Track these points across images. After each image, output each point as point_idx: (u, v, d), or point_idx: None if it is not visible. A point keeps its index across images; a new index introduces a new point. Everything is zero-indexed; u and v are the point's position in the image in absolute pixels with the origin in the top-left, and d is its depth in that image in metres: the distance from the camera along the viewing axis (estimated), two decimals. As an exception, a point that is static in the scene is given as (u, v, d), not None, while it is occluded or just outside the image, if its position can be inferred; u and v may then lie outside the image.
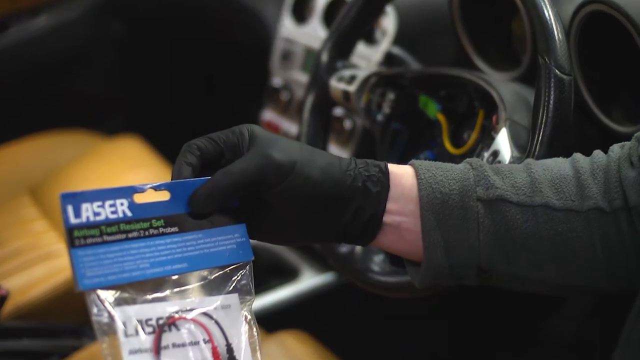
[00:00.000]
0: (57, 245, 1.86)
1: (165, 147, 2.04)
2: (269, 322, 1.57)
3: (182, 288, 0.87)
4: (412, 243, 0.92)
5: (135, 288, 0.84)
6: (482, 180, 0.92)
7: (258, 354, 0.88)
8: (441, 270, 0.92)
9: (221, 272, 0.89)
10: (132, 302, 0.83)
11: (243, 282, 0.89)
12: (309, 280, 2.06)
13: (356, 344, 1.87)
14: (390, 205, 0.92)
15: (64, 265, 1.80)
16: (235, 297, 0.89)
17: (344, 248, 1.23)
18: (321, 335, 1.56)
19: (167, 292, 0.86)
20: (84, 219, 0.83)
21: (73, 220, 0.82)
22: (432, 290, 1.13)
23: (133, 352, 0.81)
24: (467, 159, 0.96)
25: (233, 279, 0.89)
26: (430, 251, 0.91)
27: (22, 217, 1.96)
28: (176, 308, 0.85)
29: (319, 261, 2.03)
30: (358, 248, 1.23)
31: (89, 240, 0.82)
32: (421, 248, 0.92)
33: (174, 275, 0.86)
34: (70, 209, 0.83)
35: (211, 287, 0.88)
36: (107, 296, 0.82)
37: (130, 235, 0.85)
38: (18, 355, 1.61)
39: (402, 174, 0.93)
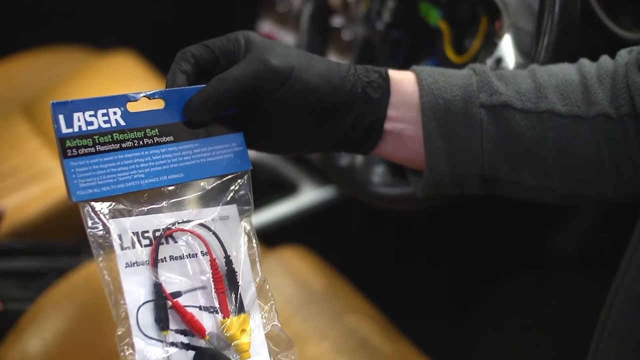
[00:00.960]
0: (52, 163, 1.85)
1: (161, 61, 2.02)
2: (269, 237, 1.57)
3: (179, 199, 0.86)
4: (414, 151, 0.91)
5: (131, 200, 0.83)
6: (486, 86, 0.91)
7: (258, 265, 0.88)
8: (444, 179, 0.91)
9: (219, 182, 0.88)
10: (127, 214, 0.82)
11: (241, 192, 0.88)
12: (308, 194, 2.06)
13: (356, 258, 1.88)
14: (391, 112, 0.90)
15: (59, 184, 1.79)
16: (233, 207, 0.88)
17: (344, 160, 1.22)
18: (321, 250, 1.56)
19: (164, 203, 0.85)
20: (76, 129, 0.82)
21: (65, 130, 0.81)
22: (434, 201, 1.12)
23: (129, 265, 0.81)
24: (470, 65, 0.95)
25: (231, 189, 0.88)
26: (432, 159, 0.90)
27: (16, 135, 1.95)
28: (173, 220, 0.84)
29: (319, 175, 2.03)
30: (358, 160, 1.22)
31: (82, 151, 0.81)
32: (423, 156, 0.91)
33: (170, 185, 0.85)
34: (61, 119, 0.81)
35: (209, 198, 0.87)
36: (102, 208, 0.81)
37: (124, 145, 0.83)
38: (14, 275, 1.61)
39: (402, 80, 0.91)
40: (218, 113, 0.87)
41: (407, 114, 0.91)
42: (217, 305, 0.84)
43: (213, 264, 0.85)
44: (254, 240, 0.88)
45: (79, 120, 0.82)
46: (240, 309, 0.85)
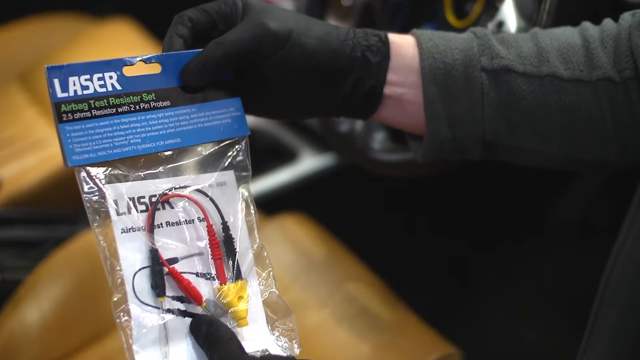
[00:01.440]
0: (49, 132, 1.85)
1: (158, 29, 2.01)
2: (268, 205, 1.57)
3: (176, 164, 0.85)
4: (414, 115, 0.91)
5: (127, 165, 0.83)
6: (487, 49, 0.90)
7: (255, 232, 0.87)
8: (444, 144, 0.91)
9: (216, 147, 0.87)
10: (123, 179, 0.82)
11: (239, 158, 0.88)
12: (308, 161, 2.06)
13: (356, 226, 1.88)
14: (390, 76, 0.90)
15: (56, 153, 1.77)
16: (231, 173, 0.87)
17: (344, 126, 1.22)
18: (321, 218, 1.56)
19: (160, 169, 0.84)
20: (71, 93, 0.81)
21: (60, 94, 0.81)
22: (435, 167, 1.12)
23: (125, 230, 0.81)
24: (471, 28, 0.94)
25: (229, 155, 0.87)
26: (432, 124, 0.90)
27: (12, 104, 1.94)
28: (169, 185, 0.84)
29: (318, 142, 2.03)
30: (358, 126, 1.22)
31: (77, 115, 0.81)
32: (423, 121, 0.90)
33: (167, 150, 0.85)
34: (57, 83, 0.81)
35: (206, 164, 0.87)
36: (98, 173, 0.81)
37: (120, 109, 0.83)
38: (12, 244, 1.61)
39: (402, 44, 0.91)
40: (215, 77, 0.86)
41: (407, 78, 0.90)
42: (214, 272, 0.84)
43: (210, 230, 0.84)
44: (251, 207, 0.88)
45: (74, 85, 0.81)
46: (238, 275, 0.85)
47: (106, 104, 0.82)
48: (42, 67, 0.81)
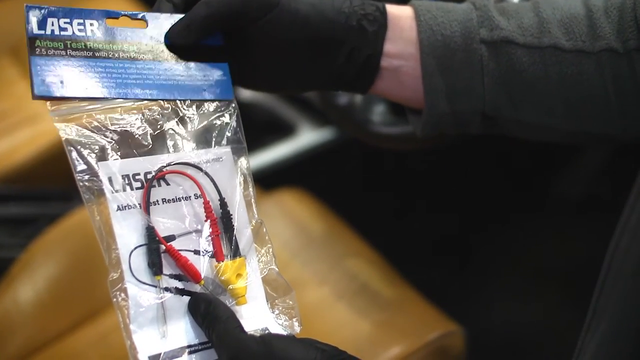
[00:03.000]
0: (42, 107, 1.83)
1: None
2: (266, 180, 1.56)
3: (170, 140, 0.85)
4: (412, 89, 0.90)
5: (119, 142, 0.82)
6: (486, 21, 0.90)
7: (254, 207, 0.87)
8: (443, 118, 0.90)
9: (207, 122, 0.87)
10: (115, 155, 0.82)
11: (233, 132, 0.87)
12: (306, 136, 2.06)
13: (356, 201, 1.88)
14: (388, 47, 0.89)
15: (49, 128, 1.79)
16: (227, 148, 0.87)
17: (343, 99, 1.22)
18: (320, 193, 1.56)
19: (154, 144, 0.84)
20: (48, 32, 0.80)
21: (36, 30, 0.80)
22: (435, 140, 1.11)
23: (121, 208, 0.80)
24: None
25: (223, 128, 0.87)
26: (431, 97, 0.89)
27: (4, 78, 1.94)
28: (164, 162, 0.84)
29: (317, 116, 2.02)
30: (357, 99, 1.22)
31: (51, 52, 0.80)
32: (422, 94, 0.90)
33: (140, 100, 0.84)
34: (34, 20, 0.80)
35: (200, 139, 0.86)
36: (90, 152, 0.80)
37: (97, 54, 0.82)
38: (5, 222, 1.61)
39: (400, 16, 0.90)
40: (201, 38, 0.86)
41: (405, 50, 0.90)
42: (212, 250, 0.84)
43: (207, 206, 0.84)
44: (249, 182, 0.87)
45: (52, 25, 0.81)
46: (236, 252, 0.85)
47: (83, 47, 0.81)
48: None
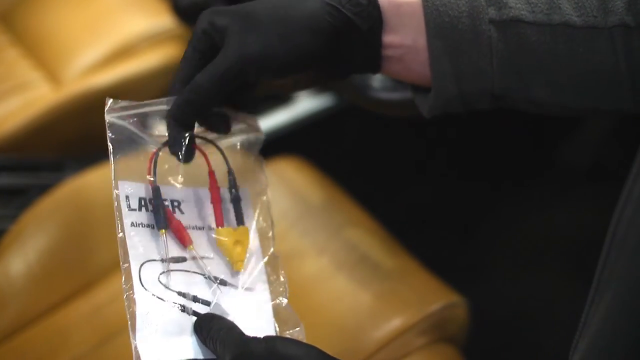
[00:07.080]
0: (33, 74, 1.84)
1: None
2: (263, 148, 1.56)
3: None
4: (419, 73, 0.90)
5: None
6: None
7: (271, 241, 0.92)
8: (452, 100, 0.90)
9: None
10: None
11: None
12: (304, 103, 2.06)
13: (355, 169, 1.88)
14: (390, 38, 0.89)
15: (40, 95, 1.79)
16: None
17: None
18: (319, 161, 1.56)
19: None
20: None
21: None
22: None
23: (135, 225, 0.84)
24: None
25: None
26: (439, 81, 0.89)
27: (-7, 45, 1.93)
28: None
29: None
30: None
31: None
32: (429, 77, 0.90)
33: None
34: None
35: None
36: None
37: None
38: (-6, 192, 1.61)
39: (400, 2, 0.90)
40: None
41: (406, 37, 0.89)
42: (213, 216, 0.89)
43: (211, 175, 0.90)
44: (268, 216, 0.94)
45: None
46: (239, 221, 0.90)
47: None
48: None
